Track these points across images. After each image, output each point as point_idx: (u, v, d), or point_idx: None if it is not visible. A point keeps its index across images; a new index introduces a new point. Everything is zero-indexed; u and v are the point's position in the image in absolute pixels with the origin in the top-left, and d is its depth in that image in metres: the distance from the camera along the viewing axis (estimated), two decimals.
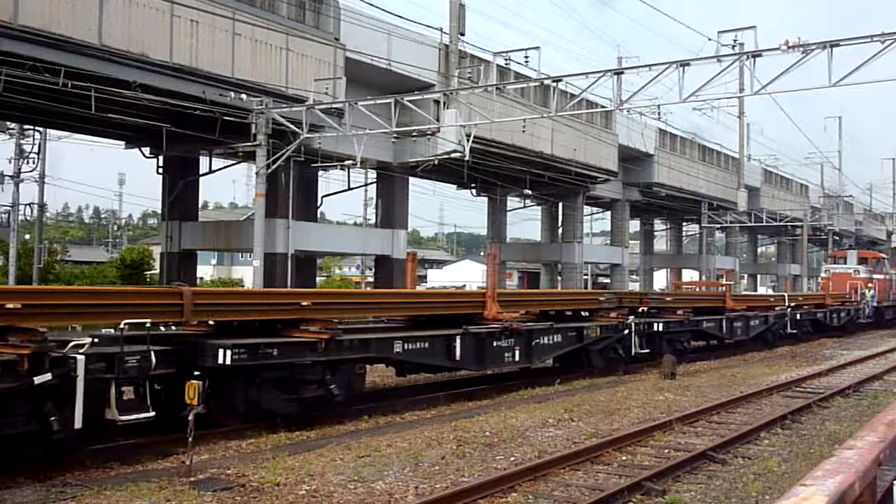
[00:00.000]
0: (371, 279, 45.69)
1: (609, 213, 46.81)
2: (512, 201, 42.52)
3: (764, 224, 49.67)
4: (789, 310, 27.55)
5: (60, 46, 17.22)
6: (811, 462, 9.09)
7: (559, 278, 42.46)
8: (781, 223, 50.87)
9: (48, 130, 30.75)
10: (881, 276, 39.53)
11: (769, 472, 8.95)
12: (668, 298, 22.54)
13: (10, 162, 32.32)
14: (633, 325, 18.31)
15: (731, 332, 23.43)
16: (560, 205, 40.96)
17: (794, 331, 27.65)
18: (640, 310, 19.35)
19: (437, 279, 77.37)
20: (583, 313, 18.05)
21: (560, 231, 41.81)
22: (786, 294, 30.58)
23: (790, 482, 8.14)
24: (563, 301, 18.81)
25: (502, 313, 15.05)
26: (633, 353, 18.45)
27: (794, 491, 2.60)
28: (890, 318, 40.94)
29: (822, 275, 40.50)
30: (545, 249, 44.18)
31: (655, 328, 19.33)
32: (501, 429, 10.81)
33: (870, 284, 36.47)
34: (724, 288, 28.28)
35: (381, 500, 7.49)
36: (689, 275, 61.18)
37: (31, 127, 30.46)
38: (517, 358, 15.25)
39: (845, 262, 40.10)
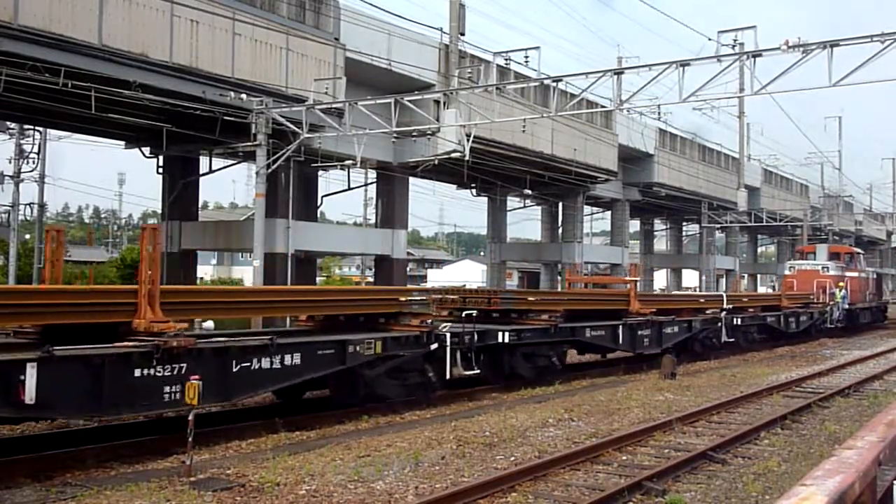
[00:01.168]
0: (371, 279, 45.71)
1: (609, 213, 46.80)
2: (512, 201, 42.53)
3: (764, 224, 49.66)
4: (724, 314, 22.52)
5: (60, 46, 17.22)
6: (811, 462, 9.10)
7: (559, 278, 42.45)
8: (781, 223, 50.87)
9: (48, 130, 30.74)
10: (855, 275, 35.03)
11: (769, 472, 8.95)
12: (532, 298, 17.24)
13: (10, 162, 32.34)
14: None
15: (632, 342, 18.92)
16: (560, 205, 40.95)
17: (732, 339, 23.00)
18: (493, 313, 15.97)
19: (437, 279, 77.40)
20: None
21: (560, 231, 41.81)
22: (724, 294, 25.45)
23: (790, 482, 8.14)
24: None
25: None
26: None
27: (794, 491, 2.60)
28: (866, 321, 36.65)
29: (786, 272, 35.11)
30: (545, 249, 44.18)
31: (501, 339, 14.93)
32: (501, 429, 10.81)
33: (841, 283, 32.06)
34: (628, 286, 20.92)
35: (381, 500, 7.49)
36: (688, 275, 61.21)
37: (31, 127, 30.44)
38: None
39: (815, 258, 35.60)
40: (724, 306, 23.18)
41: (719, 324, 22.23)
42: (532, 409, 12.57)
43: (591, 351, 19.76)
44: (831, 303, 30.77)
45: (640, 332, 19.12)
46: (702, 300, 24.44)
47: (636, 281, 21.65)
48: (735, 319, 23.33)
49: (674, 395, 14.65)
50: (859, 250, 39.30)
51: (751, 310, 25.43)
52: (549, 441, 10.27)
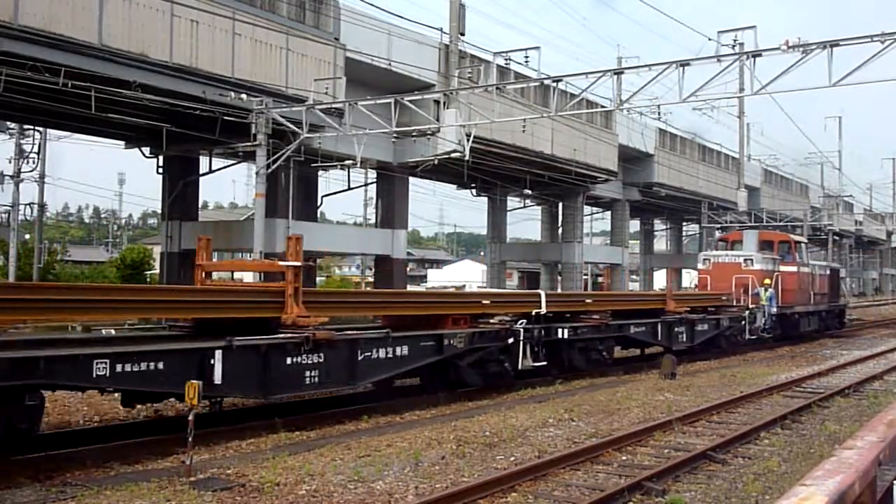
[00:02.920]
0: (371, 279, 45.71)
1: (609, 213, 46.82)
2: (512, 201, 42.57)
3: (764, 224, 49.64)
4: (522, 324, 15.28)
5: (60, 46, 17.23)
6: (811, 462, 9.10)
7: (559, 278, 42.46)
8: (781, 223, 50.83)
9: (48, 130, 30.77)
10: (792, 269, 27.51)
11: (769, 472, 8.95)
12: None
13: (10, 162, 32.40)
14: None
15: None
16: (560, 205, 40.98)
17: (543, 363, 15.74)
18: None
19: (437, 279, 77.38)
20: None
21: (560, 231, 41.82)
22: (542, 293, 16.72)
23: (790, 482, 8.14)
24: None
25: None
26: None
27: (794, 491, 2.60)
28: (811, 329, 29.16)
29: (699, 265, 27.63)
30: (545, 249, 44.19)
31: None
32: (501, 429, 10.81)
33: (767, 280, 24.95)
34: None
35: (381, 500, 7.49)
36: (687, 275, 61.22)
37: (31, 127, 30.49)
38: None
39: (742, 248, 27.78)
40: (537, 311, 15.73)
41: (511, 340, 14.88)
42: (532, 409, 12.57)
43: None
44: (754, 306, 24.24)
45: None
46: (486, 301, 15.47)
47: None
48: (543, 333, 15.64)
49: (674, 395, 14.64)
50: (802, 239, 31.36)
51: (596, 317, 17.43)
52: (549, 441, 10.26)
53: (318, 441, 10.26)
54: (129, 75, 18.36)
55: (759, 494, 8.04)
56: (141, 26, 18.69)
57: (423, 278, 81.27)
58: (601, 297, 21.07)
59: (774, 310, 24.88)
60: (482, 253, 69.92)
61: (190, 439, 8.39)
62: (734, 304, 24.00)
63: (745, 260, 25.86)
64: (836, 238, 57.81)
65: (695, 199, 47.09)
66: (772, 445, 10.49)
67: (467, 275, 71.75)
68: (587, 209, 45.17)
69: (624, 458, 9.56)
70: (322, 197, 30.15)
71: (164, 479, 8.03)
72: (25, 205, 33.84)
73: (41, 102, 19.06)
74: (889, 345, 26.60)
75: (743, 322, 23.49)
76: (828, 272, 32.00)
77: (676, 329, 20.42)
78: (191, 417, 8.44)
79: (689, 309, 21.49)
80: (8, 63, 16.44)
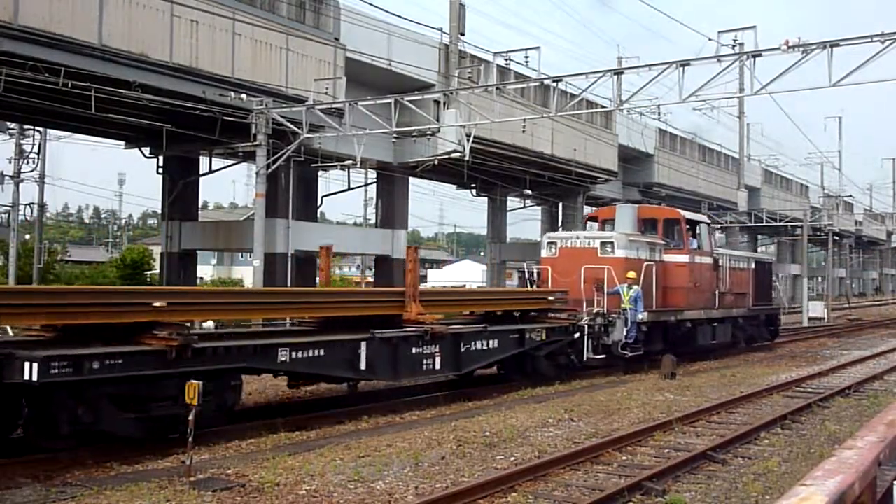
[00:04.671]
0: (371, 279, 45.70)
1: None
2: (512, 201, 42.54)
3: (764, 224, 49.64)
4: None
5: (60, 46, 17.22)
6: (811, 462, 9.10)
7: None
8: (781, 223, 50.85)
9: (48, 130, 30.76)
10: (682, 259, 19.92)
11: (769, 472, 8.95)
12: None
13: (10, 162, 32.37)
14: None
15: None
16: (560, 205, 40.95)
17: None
18: None
19: (438, 279, 77.36)
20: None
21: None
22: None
23: (790, 482, 8.14)
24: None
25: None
26: None
27: (794, 491, 2.60)
28: (714, 342, 21.39)
29: (542, 251, 19.52)
30: None
31: None
32: (501, 429, 10.81)
33: (631, 274, 17.52)
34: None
35: (381, 500, 7.49)
36: None
37: (31, 127, 30.46)
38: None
39: (614, 228, 19.86)
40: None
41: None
42: (532, 409, 12.57)
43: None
44: (612, 311, 17.30)
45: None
46: None
47: None
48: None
49: (674, 395, 14.64)
50: (703, 218, 23.08)
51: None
52: (549, 441, 10.26)
53: (318, 441, 10.26)
54: (129, 75, 18.35)
55: (759, 494, 8.04)
56: (141, 26, 18.68)
57: (424, 278, 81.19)
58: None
59: (641, 316, 17.50)
60: (482, 253, 69.89)
61: (190, 439, 8.38)
62: (584, 305, 17.11)
63: (604, 243, 18.34)
64: (836, 238, 57.81)
65: (695, 200, 47.07)
66: (772, 445, 10.49)
67: (467, 275, 71.77)
68: (587, 209, 45.16)
69: (624, 458, 9.56)
70: (322, 197, 30.13)
71: (164, 479, 8.03)
72: (25, 205, 33.82)
73: (41, 102, 19.04)
74: (889, 345, 26.60)
75: (579, 335, 16.56)
76: (751, 266, 24.57)
77: (415, 350, 13.02)
78: (191, 417, 8.43)
79: (477, 314, 16.06)
80: (8, 63, 16.43)
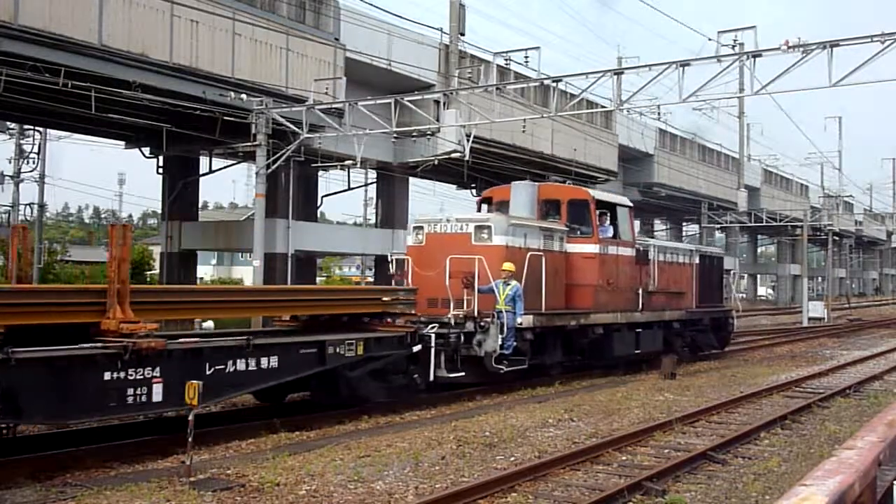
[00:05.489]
0: (371, 279, 45.71)
1: None
2: None
3: (764, 224, 49.69)
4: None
5: (60, 46, 17.23)
6: (811, 462, 9.10)
7: None
8: (781, 223, 50.90)
9: (48, 130, 30.77)
10: (591, 249, 16.43)
11: (769, 472, 8.95)
12: None
13: (10, 162, 32.38)
14: None
15: None
16: None
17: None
18: None
19: None
20: None
21: None
22: None
23: (790, 482, 8.14)
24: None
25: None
26: None
27: (794, 491, 2.60)
28: (638, 352, 17.89)
29: (408, 239, 15.85)
30: None
31: None
32: (501, 429, 10.81)
33: (508, 266, 14.06)
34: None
35: (381, 500, 7.49)
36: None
37: (31, 127, 30.47)
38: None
39: (508, 209, 16.39)
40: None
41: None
42: (532, 409, 12.57)
43: None
44: (486, 314, 13.95)
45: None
46: None
47: None
48: None
49: (674, 395, 14.64)
50: (623, 200, 18.93)
51: None
52: (549, 441, 10.26)
53: (318, 441, 10.26)
54: (129, 75, 18.36)
55: (759, 494, 8.04)
56: (141, 26, 18.69)
57: None
58: None
59: (521, 320, 14.12)
60: None
61: (190, 439, 8.38)
62: (451, 306, 13.83)
63: (479, 227, 14.72)
64: (836, 238, 57.82)
65: (695, 200, 47.14)
66: (772, 445, 10.49)
67: None
68: None
69: (624, 458, 9.56)
70: (322, 197, 30.17)
71: (164, 479, 8.03)
72: (25, 205, 33.82)
73: (41, 102, 19.06)
74: (889, 345, 26.61)
75: (422, 348, 12.99)
76: (694, 260, 20.73)
77: (109, 376, 8.95)
78: (191, 417, 8.43)
79: (302, 320, 13.01)
80: (8, 63, 16.44)
